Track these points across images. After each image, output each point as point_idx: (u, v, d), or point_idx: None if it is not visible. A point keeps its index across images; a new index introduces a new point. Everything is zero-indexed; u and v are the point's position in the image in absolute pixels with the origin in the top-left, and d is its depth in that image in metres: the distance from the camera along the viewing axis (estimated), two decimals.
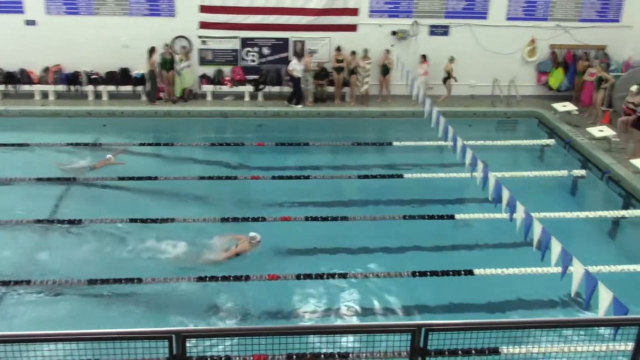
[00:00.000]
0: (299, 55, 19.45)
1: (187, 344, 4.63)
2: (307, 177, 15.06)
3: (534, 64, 20.88)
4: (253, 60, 20.28)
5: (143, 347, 4.60)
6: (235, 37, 20.01)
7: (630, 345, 5.08)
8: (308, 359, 7.23)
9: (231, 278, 11.09)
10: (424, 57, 19.71)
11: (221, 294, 10.91)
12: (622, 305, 7.40)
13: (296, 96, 19.50)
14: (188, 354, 4.82)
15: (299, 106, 19.47)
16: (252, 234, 11.93)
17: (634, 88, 16.57)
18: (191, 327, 4.90)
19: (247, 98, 20.10)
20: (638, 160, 15.33)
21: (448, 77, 19.97)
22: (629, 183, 15.03)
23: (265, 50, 20.20)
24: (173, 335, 4.48)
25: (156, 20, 19.57)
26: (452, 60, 19.79)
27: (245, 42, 20.09)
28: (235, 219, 13.04)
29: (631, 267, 11.56)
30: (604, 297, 7.66)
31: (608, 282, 8.51)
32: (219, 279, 11.06)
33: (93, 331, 4.67)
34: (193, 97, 20.01)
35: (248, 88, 20.10)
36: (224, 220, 13.04)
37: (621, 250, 13.23)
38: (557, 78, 20.69)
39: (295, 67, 19.20)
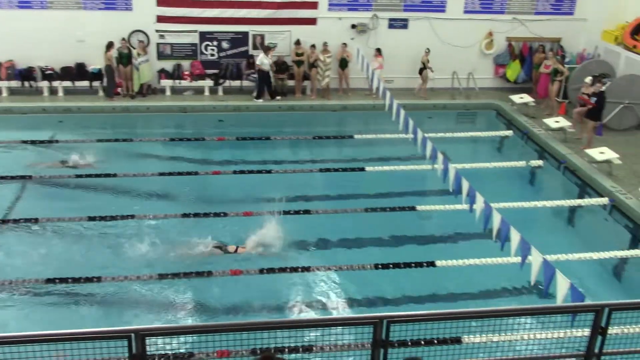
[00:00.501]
0: (266, 48, 19.30)
1: (148, 343, 4.55)
2: (269, 172, 15.00)
3: (492, 56, 21.15)
4: (212, 55, 20.05)
5: (102, 348, 4.50)
6: (194, 31, 19.75)
7: (587, 331, 5.18)
8: (272, 353, 7.21)
9: (193, 275, 11.00)
10: (378, 50, 19.75)
11: (183, 291, 10.79)
12: (579, 292, 7.56)
13: (267, 90, 19.40)
14: (150, 353, 4.75)
15: (260, 101, 19.38)
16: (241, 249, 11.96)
17: (588, 79, 16.95)
18: (151, 325, 4.80)
19: (207, 92, 19.87)
20: (593, 150, 15.69)
21: (424, 67, 20.11)
22: (584, 172, 15.37)
23: (225, 44, 20.00)
24: (132, 334, 4.40)
25: (112, 14, 19.17)
26: (427, 51, 19.94)
27: (204, 36, 19.85)
28: (196, 215, 12.93)
29: (587, 255, 11.83)
30: (562, 285, 7.81)
31: (566, 270, 8.68)
32: (181, 275, 10.95)
33: (48, 332, 4.55)
34: (152, 92, 19.70)
35: (208, 82, 19.88)
36: (185, 216, 12.91)
37: (578, 238, 13.54)
38: (514, 70, 21.00)
39: (263, 60, 19.07)
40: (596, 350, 5.07)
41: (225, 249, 11.93)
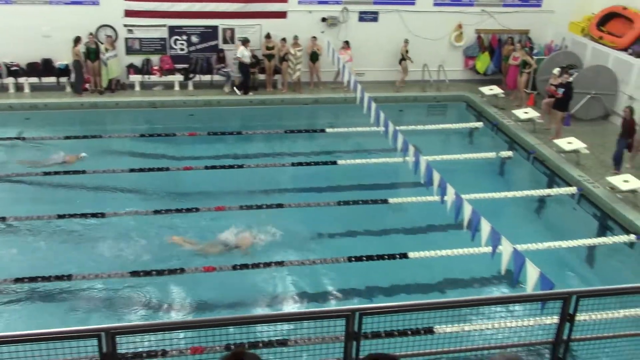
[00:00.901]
0: (245, 41, 19.16)
1: (119, 341, 4.51)
2: (241, 166, 14.93)
3: (461, 48, 21.30)
4: (182, 49, 19.86)
5: (71, 347, 4.45)
6: (163, 26, 19.53)
7: (556, 319, 5.27)
8: (246, 348, 7.19)
9: (166, 272, 10.91)
10: (346, 43, 19.75)
11: (156, 288, 10.72)
12: (549, 280, 7.68)
13: (247, 84, 19.30)
14: (124, 351, 4.71)
15: (246, 93, 19.34)
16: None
17: (555, 71, 17.18)
18: (121, 323, 4.75)
19: (177, 87, 19.69)
20: (561, 140, 15.92)
21: (403, 58, 20.19)
22: (553, 162, 15.59)
23: (194, 39, 19.82)
24: (102, 333, 4.35)
25: (79, 8, 18.85)
26: (406, 42, 20.01)
27: (173, 31, 19.64)
28: (168, 211, 12.82)
29: (557, 244, 12.01)
30: (531, 273, 7.93)
31: (535, 259, 8.82)
32: (154, 273, 10.87)
33: (17, 333, 4.48)
34: (121, 88, 19.46)
35: (178, 77, 19.70)
36: (157, 212, 12.79)
37: (547, 227, 13.73)
38: (483, 62, 21.18)
39: (244, 53, 18.95)
40: (565, 337, 5.16)
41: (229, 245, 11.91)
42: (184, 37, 19.75)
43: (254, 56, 19.47)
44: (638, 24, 17.92)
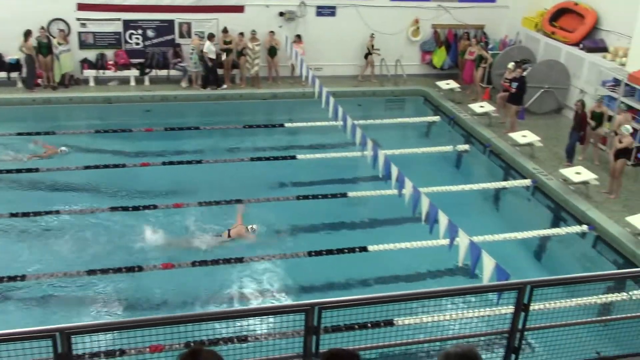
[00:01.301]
0: (210, 36, 18.94)
1: (74, 342, 4.43)
2: (199, 162, 14.78)
3: (418, 43, 21.48)
4: (137, 43, 19.53)
5: (24, 349, 4.34)
6: (117, 19, 19.17)
7: (511, 308, 5.38)
8: (206, 345, 7.14)
9: (123, 270, 10.77)
10: (298, 37, 19.71)
11: (113, 287, 10.57)
12: (504, 271, 7.83)
13: (215, 79, 19.13)
14: (80, 352, 4.62)
15: (218, 88, 19.21)
16: (254, 226, 12.09)
17: (510, 65, 17.48)
18: (77, 323, 4.66)
19: (132, 82, 19.37)
20: (516, 134, 16.22)
21: (369, 52, 20.23)
22: (508, 155, 15.89)
23: (150, 33, 19.51)
24: (57, 334, 4.26)
25: (29, 1, 18.31)
26: (373, 36, 20.08)
27: (128, 25, 19.29)
28: (125, 208, 12.64)
29: (512, 235, 12.27)
30: (488, 264, 8.07)
31: (492, 250, 8.98)
32: (111, 271, 10.71)
33: None
34: (75, 83, 19.02)
35: (133, 72, 19.37)
36: (114, 209, 12.60)
37: (503, 219, 14.01)
38: (440, 57, 21.41)
39: (210, 48, 18.73)
40: (520, 326, 5.27)
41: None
42: (140, 31, 19.42)
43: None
44: (589, 19, 18.35)
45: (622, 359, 5.88)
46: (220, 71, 19.62)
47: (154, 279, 10.81)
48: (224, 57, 19.42)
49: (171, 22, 19.50)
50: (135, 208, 12.66)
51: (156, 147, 15.71)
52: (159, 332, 4.73)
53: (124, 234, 12.01)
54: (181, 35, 19.61)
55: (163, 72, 19.59)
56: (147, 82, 19.42)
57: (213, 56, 18.89)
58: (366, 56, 20.44)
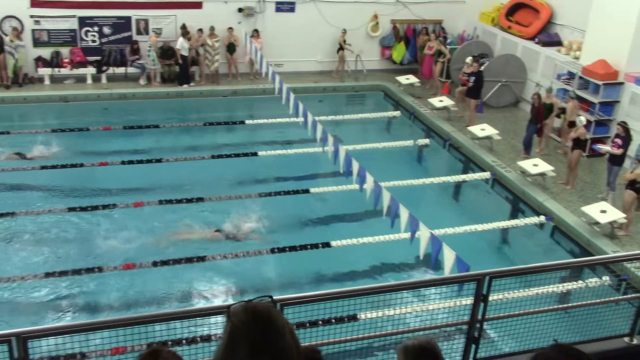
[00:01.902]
0: (185, 33, 18.71)
1: (31, 346, 4.33)
2: (159, 160, 14.61)
3: (378, 39, 21.59)
4: (94, 41, 19.16)
5: None
6: (72, 16, 18.77)
7: (471, 300, 5.46)
8: (169, 345, 7.07)
9: (83, 271, 10.59)
10: (256, 32, 19.61)
11: (72, 289, 10.39)
12: (464, 263, 7.95)
13: (186, 75, 18.98)
14: (38, 356, 4.52)
15: (188, 85, 19.07)
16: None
17: (468, 60, 17.71)
18: (33, 327, 4.57)
19: (89, 81, 18.99)
20: (475, 127, 16.45)
21: (341, 48, 20.24)
22: (467, 149, 16.11)
23: (107, 30, 19.15)
24: (12, 338, 4.16)
25: None
26: (344, 32, 20.13)
27: (83, 21, 18.90)
28: (83, 209, 12.42)
29: (472, 227, 12.46)
30: (448, 257, 8.18)
31: (453, 243, 9.11)
32: (70, 273, 10.52)
33: None
34: (29, 82, 18.58)
35: (90, 70, 19.00)
36: (72, 210, 12.37)
37: (463, 211, 14.20)
38: (399, 52, 21.55)
39: (184, 45, 18.54)
40: (479, 317, 5.35)
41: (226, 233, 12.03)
42: (96, 29, 19.05)
43: (169, 47, 19.03)
44: (544, 14, 18.71)
45: (578, 345, 6.02)
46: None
47: (115, 279, 10.66)
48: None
49: (128, 18, 19.19)
50: (94, 208, 12.45)
51: (115, 146, 15.45)
52: (119, 334, 4.66)
53: (83, 234, 11.82)
54: (139, 32, 19.32)
55: (121, 70, 19.28)
56: (104, 80, 19.07)
57: (185, 53, 18.71)
58: (338, 51, 20.47)
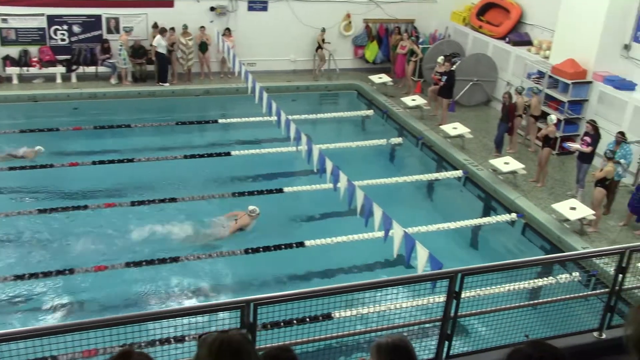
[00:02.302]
0: (162, 30, 18.53)
1: (0, 350, 4.26)
2: (131, 160, 14.44)
3: (350, 38, 21.63)
4: (63, 39, 18.88)
5: None
6: (41, 15, 18.47)
7: (444, 297, 5.50)
8: (142, 347, 7.00)
9: (54, 273, 10.44)
10: (228, 30, 19.50)
11: (43, 291, 10.23)
12: (437, 261, 8.00)
13: (164, 74, 18.88)
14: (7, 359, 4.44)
15: (166, 84, 18.93)
16: (250, 207, 12.16)
17: (440, 59, 17.84)
18: (2, 330, 4.49)
19: (59, 80, 18.71)
20: (447, 126, 16.58)
21: (319, 47, 20.27)
22: (440, 147, 16.23)
23: (76, 28, 18.88)
24: None
25: None
26: (323, 30, 20.16)
27: (52, 20, 18.60)
28: (53, 210, 12.22)
29: (445, 225, 12.56)
30: (421, 255, 8.23)
31: (426, 241, 9.17)
32: (40, 275, 10.36)
33: None
34: None
35: (59, 69, 18.71)
36: (42, 212, 12.17)
37: (436, 210, 14.31)
38: (372, 51, 21.63)
39: (160, 42, 18.37)
40: (452, 314, 5.39)
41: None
42: (65, 27, 18.77)
43: (140, 46, 18.84)
44: (514, 13, 18.93)
45: (549, 340, 6.10)
46: (150, 67, 19.20)
47: (86, 281, 10.52)
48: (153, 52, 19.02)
49: (98, 17, 18.94)
50: (65, 209, 12.27)
51: (85, 146, 15.25)
52: (90, 336, 4.61)
53: (54, 236, 11.64)
54: (109, 31, 19.07)
55: (91, 69, 19.02)
56: (74, 80, 18.80)
57: (163, 51, 18.55)
58: (317, 50, 20.46)
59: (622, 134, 13.16)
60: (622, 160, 12.73)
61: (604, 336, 6.20)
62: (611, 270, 6.31)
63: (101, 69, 18.99)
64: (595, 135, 13.55)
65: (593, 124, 13.73)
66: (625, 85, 14.93)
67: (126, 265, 10.78)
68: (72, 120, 16.83)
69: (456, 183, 15.03)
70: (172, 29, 18.92)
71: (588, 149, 13.37)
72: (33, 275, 10.34)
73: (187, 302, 10.30)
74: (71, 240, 11.55)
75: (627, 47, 15.29)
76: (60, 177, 13.89)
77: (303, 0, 20.39)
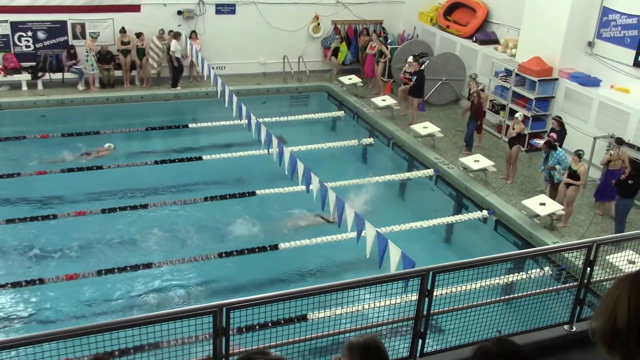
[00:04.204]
0: (177, 35, 18.49)
1: None
2: (100, 167, 14.28)
3: (319, 39, 21.67)
4: (28, 46, 18.58)
5: None
6: (4, 21, 18.15)
7: (416, 296, 5.54)
8: (116, 355, 6.93)
9: (23, 283, 10.27)
10: (194, 33, 19.38)
11: (12, 301, 10.06)
12: (410, 260, 8.05)
13: (176, 79, 19.01)
14: None
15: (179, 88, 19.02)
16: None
17: (410, 59, 17.96)
18: None
19: (24, 87, 18.39)
20: (417, 125, 16.69)
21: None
22: (411, 147, 16.33)
23: (41, 35, 18.59)
24: None
25: None
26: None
27: (16, 26, 18.29)
28: (22, 220, 12.01)
29: (418, 224, 12.64)
30: (394, 254, 8.27)
31: (399, 240, 9.21)
32: (9, 285, 10.18)
33: None
34: None
35: (25, 76, 18.40)
36: (10, 221, 11.95)
37: (409, 209, 14.39)
38: (341, 53, 21.67)
39: (177, 47, 18.40)
40: (424, 312, 5.43)
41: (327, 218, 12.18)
42: (30, 33, 18.47)
43: (107, 52, 18.63)
44: (480, 13, 19.15)
45: (521, 335, 6.19)
46: (118, 73, 18.99)
47: (57, 290, 10.37)
48: (121, 58, 18.84)
49: (64, 23, 18.68)
50: (33, 218, 12.07)
51: (53, 154, 15.01)
52: (59, 346, 4.54)
53: (22, 246, 11.44)
54: (75, 37, 18.82)
55: (57, 76, 18.75)
56: (40, 87, 18.50)
57: (179, 55, 18.53)
58: (330, 58, 20.69)
59: (547, 144, 13.25)
60: (557, 166, 12.90)
61: (574, 329, 6.31)
62: (580, 263, 6.41)
63: (68, 75, 18.72)
64: (561, 131, 13.77)
65: (558, 120, 13.96)
66: (590, 81, 15.20)
67: (98, 273, 10.65)
68: (40, 128, 16.55)
69: (428, 182, 15.14)
70: (139, 34, 18.74)
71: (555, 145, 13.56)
72: (1, 287, 10.14)
73: (160, 308, 10.20)
74: (40, 250, 11.36)
75: (590, 44, 15.58)
76: (28, 185, 13.67)
77: (271, 2, 20.36)
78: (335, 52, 20.81)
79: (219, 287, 11.01)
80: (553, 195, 12.99)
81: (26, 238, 11.70)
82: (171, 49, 18.63)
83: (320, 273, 11.48)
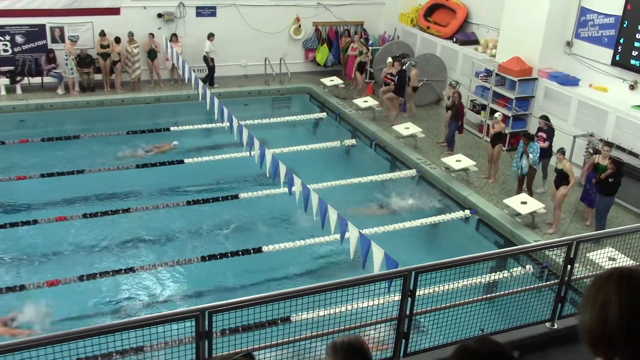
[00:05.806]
0: (210, 35, 18.95)
1: None
2: (82, 172, 14.14)
3: (301, 41, 21.67)
4: (6, 50, 18.38)
5: None
6: None
7: (399, 296, 5.56)
8: None
9: (3, 290, 10.15)
10: (175, 36, 19.31)
11: None
12: (393, 260, 8.07)
13: (211, 78, 19.38)
14: None
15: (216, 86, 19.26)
16: None
17: (389, 60, 18.02)
18: None
19: (3, 92, 18.18)
20: (399, 126, 16.75)
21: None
22: (393, 147, 16.39)
23: (19, 39, 18.40)
24: None
25: None
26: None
27: None
28: (2, 226, 11.87)
29: (401, 225, 12.68)
30: (377, 255, 8.29)
31: (382, 241, 9.23)
32: None
33: None
34: None
35: (3, 81, 18.20)
36: None
37: (391, 209, 14.39)
38: (323, 54, 21.70)
39: (211, 47, 18.89)
40: (407, 312, 5.45)
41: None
42: (7, 37, 18.28)
43: (87, 55, 18.48)
44: (460, 14, 19.27)
45: (504, 333, 6.23)
46: (98, 76, 18.85)
47: (39, 297, 10.25)
48: (101, 61, 18.69)
49: (42, 26, 18.51)
50: (13, 225, 11.93)
51: (33, 159, 14.85)
52: (39, 354, 4.49)
53: (1, 252, 11.31)
54: (54, 40, 18.66)
55: (36, 80, 18.56)
56: (19, 91, 18.30)
57: (214, 56, 18.95)
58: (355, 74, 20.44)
59: (526, 135, 13.38)
60: (530, 155, 13.03)
61: (555, 326, 6.36)
62: (561, 261, 6.47)
63: (47, 79, 18.56)
64: (549, 130, 13.88)
65: (545, 119, 14.04)
66: (569, 81, 15.35)
67: (79, 278, 10.55)
68: (19, 132, 16.39)
69: (410, 182, 15.18)
70: (117, 38, 18.60)
71: (545, 144, 13.71)
72: None
73: (142, 313, 10.13)
74: (20, 256, 11.24)
75: (569, 43, 15.74)
76: (7, 191, 13.51)
77: (252, 4, 20.34)
78: (361, 67, 20.04)
79: (202, 291, 10.96)
80: (520, 188, 13.22)
81: (6, 244, 11.56)
82: (205, 50, 18.99)
83: (304, 275, 11.47)
